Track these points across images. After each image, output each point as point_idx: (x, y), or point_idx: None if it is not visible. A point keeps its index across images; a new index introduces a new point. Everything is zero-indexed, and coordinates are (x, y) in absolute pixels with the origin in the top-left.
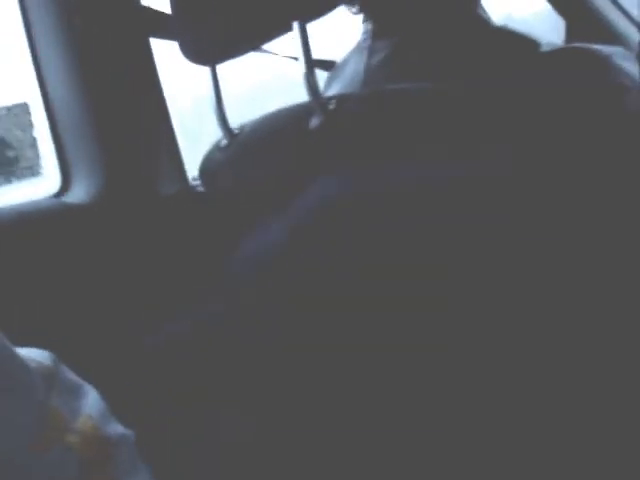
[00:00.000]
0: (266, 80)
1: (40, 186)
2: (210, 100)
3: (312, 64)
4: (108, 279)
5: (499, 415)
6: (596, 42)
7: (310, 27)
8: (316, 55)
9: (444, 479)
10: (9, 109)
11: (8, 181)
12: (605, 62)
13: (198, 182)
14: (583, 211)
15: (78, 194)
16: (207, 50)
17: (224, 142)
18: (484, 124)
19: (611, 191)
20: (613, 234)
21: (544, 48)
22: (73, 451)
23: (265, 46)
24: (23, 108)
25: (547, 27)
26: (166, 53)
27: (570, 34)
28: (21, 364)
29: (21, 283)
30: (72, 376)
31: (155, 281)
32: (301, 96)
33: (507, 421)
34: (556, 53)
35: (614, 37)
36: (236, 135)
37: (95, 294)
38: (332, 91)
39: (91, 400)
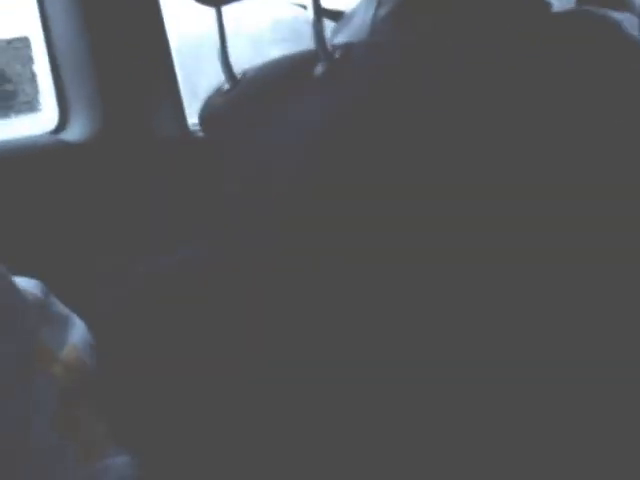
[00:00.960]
0: (265, 27)
1: (38, 122)
2: (214, 42)
3: (321, 12)
4: (102, 217)
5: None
6: (605, 6)
7: None
8: (325, 4)
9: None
10: (9, 42)
11: (6, 115)
12: (616, 27)
13: (197, 126)
14: (597, 175)
15: (76, 132)
16: None
17: (226, 86)
18: (488, 84)
19: (623, 152)
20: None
21: (555, 10)
22: (56, 380)
23: None
24: (24, 42)
25: None
26: None
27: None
28: (20, 297)
29: (16, 218)
30: (61, 307)
31: (149, 221)
32: (297, 45)
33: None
34: (567, 15)
35: (622, 3)
36: (238, 80)
37: (88, 231)
38: (338, 41)
39: (77, 331)
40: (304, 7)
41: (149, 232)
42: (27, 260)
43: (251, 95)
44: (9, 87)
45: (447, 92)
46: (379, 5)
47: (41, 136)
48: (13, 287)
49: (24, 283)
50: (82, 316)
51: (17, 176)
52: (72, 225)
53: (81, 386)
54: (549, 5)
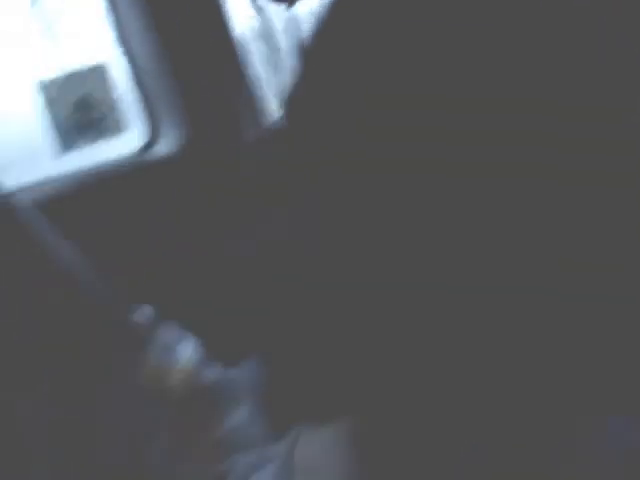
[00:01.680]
0: None
1: (126, 143)
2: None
3: None
4: (196, 227)
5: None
6: None
7: None
8: None
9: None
10: (89, 70)
11: (94, 141)
12: None
13: (281, 122)
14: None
15: (163, 148)
16: None
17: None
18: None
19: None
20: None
21: None
22: (169, 393)
23: None
24: (102, 68)
25: None
26: None
27: None
28: (122, 314)
29: (117, 234)
30: (172, 332)
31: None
32: None
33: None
34: None
35: None
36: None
37: (185, 244)
38: None
39: (189, 350)
40: None
41: (241, 232)
42: (126, 278)
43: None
44: (94, 114)
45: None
46: None
47: (131, 155)
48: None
49: (139, 310)
50: (195, 331)
51: (112, 196)
52: (168, 239)
53: (194, 395)
54: None
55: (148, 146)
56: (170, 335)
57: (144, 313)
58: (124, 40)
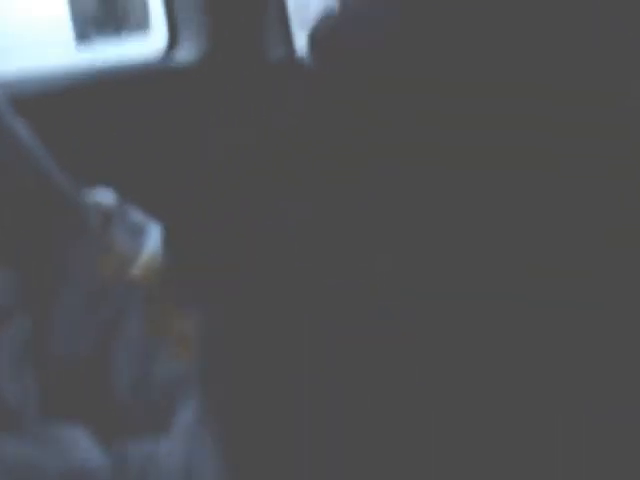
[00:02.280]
0: None
1: (148, 43)
2: None
3: None
4: (205, 139)
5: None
6: None
7: None
8: None
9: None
10: None
11: (117, 35)
12: None
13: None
14: None
15: (184, 53)
16: None
17: (336, 9)
18: None
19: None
20: None
21: None
22: (138, 285)
23: None
24: None
25: None
26: None
27: None
28: (77, 201)
29: (124, 137)
30: (137, 216)
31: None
32: None
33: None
34: None
35: None
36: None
37: (195, 151)
38: None
39: (155, 237)
40: None
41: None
42: (133, 180)
43: (363, 19)
44: (120, 8)
45: None
46: None
47: (150, 57)
48: (70, 192)
49: (96, 194)
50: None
51: (127, 96)
52: (179, 146)
53: (162, 288)
54: None
55: (166, 50)
56: (136, 219)
57: (108, 195)
58: None
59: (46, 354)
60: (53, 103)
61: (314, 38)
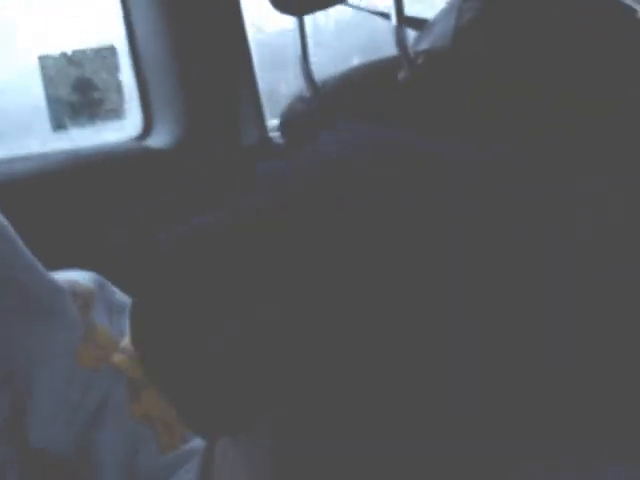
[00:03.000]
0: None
1: (123, 129)
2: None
3: (403, 19)
4: (185, 222)
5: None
6: None
7: None
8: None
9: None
10: (97, 51)
11: (92, 122)
12: None
13: (278, 133)
14: None
15: (159, 139)
16: (296, 1)
17: (306, 94)
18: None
19: None
20: None
21: None
22: (121, 371)
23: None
24: (111, 51)
25: None
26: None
27: None
28: (52, 285)
29: (101, 221)
30: (119, 296)
31: None
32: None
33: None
34: None
35: None
36: (319, 87)
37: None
38: (421, 48)
39: None
40: (386, 16)
41: None
42: (109, 262)
43: (333, 103)
44: (96, 95)
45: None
46: (460, 13)
47: (126, 142)
48: (42, 276)
49: (73, 275)
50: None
51: (103, 180)
52: (154, 229)
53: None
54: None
55: (142, 136)
56: (118, 298)
57: (87, 276)
58: (131, 23)
59: (23, 446)
60: (27, 187)
61: (285, 122)
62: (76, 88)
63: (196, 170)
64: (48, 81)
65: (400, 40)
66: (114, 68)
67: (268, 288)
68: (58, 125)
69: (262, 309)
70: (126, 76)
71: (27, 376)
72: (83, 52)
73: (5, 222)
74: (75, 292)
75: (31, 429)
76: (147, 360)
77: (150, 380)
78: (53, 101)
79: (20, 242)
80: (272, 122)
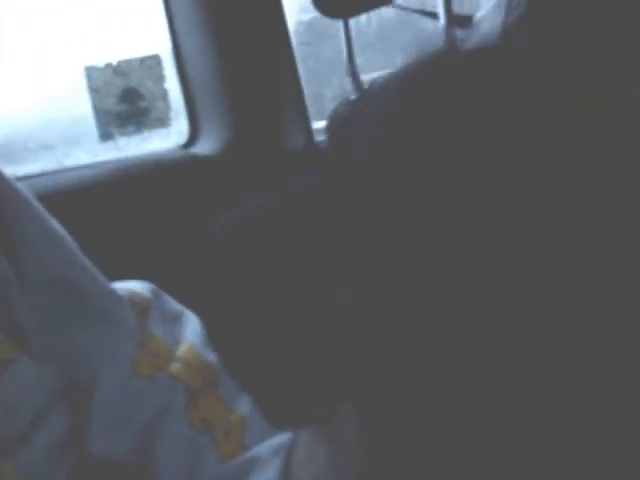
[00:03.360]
0: None
1: (169, 137)
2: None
3: (452, 18)
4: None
5: None
6: None
7: None
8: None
9: None
10: (142, 60)
11: (139, 131)
12: None
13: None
14: None
15: (206, 146)
16: (341, 3)
17: (353, 96)
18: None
19: None
20: None
21: None
22: (179, 379)
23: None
24: (155, 60)
25: None
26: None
27: None
28: (111, 293)
29: (149, 230)
30: (173, 305)
31: None
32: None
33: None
34: None
35: None
36: (366, 89)
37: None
38: (468, 46)
39: (192, 327)
40: (434, 15)
41: None
42: (160, 273)
43: (379, 106)
44: (142, 104)
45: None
46: (509, 10)
47: (173, 150)
48: (103, 284)
49: (129, 285)
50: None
51: (150, 189)
52: (202, 238)
53: (204, 381)
54: None
55: (188, 144)
56: (173, 307)
57: (142, 286)
58: (177, 32)
59: (83, 454)
60: (77, 199)
61: (331, 125)
62: (122, 98)
63: (242, 176)
64: (94, 92)
65: (450, 40)
66: (159, 77)
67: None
68: (105, 135)
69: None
70: (172, 85)
71: (88, 383)
72: (129, 62)
73: (64, 231)
74: (133, 300)
75: (90, 436)
76: (226, 351)
77: (227, 370)
78: (100, 111)
79: (78, 250)
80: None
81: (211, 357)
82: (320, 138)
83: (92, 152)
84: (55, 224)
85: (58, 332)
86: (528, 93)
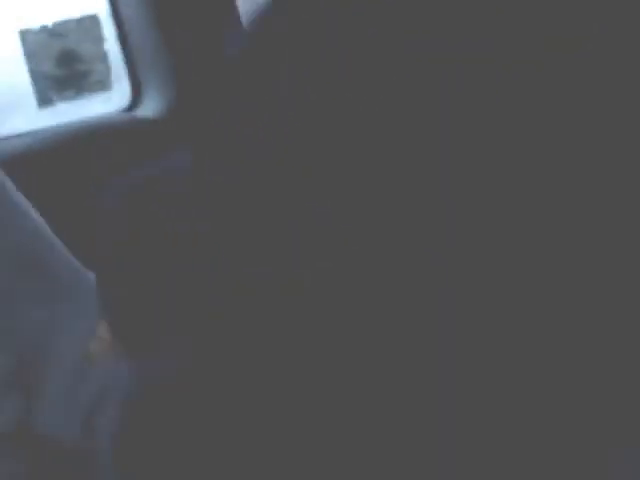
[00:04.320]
0: None
1: (111, 100)
2: None
3: None
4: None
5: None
6: None
7: None
8: None
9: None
10: (79, 21)
11: (79, 95)
12: None
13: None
14: None
15: (148, 109)
16: None
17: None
18: None
19: None
20: None
21: None
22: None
23: None
24: (94, 20)
25: None
26: None
27: None
28: (85, 276)
29: (90, 195)
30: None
31: None
32: None
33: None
34: None
35: None
36: None
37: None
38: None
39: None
40: None
41: None
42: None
43: None
44: (81, 67)
45: None
46: None
47: (115, 114)
48: (78, 267)
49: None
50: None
51: (94, 156)
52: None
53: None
54: None
55: (132, 107)
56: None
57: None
58: None
59: (32, 434)
60: (19, 169)
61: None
62: (60, 61)
63: (188, 137)
64: (30, 56)
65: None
66: (98, 38)
67: None
68: (44, 101)
69: None
70: (112, 46)
71: (41, 363)
72: (65, 23)
73: (28, 203)
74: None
75: (42, 417)
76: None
77: None
78: (37, 76)
79: (43, 222)
80: None
81: None
82: None
83: (31, 119)
84: (20, 195)
85: (12, 307)
86: (501, 27)
